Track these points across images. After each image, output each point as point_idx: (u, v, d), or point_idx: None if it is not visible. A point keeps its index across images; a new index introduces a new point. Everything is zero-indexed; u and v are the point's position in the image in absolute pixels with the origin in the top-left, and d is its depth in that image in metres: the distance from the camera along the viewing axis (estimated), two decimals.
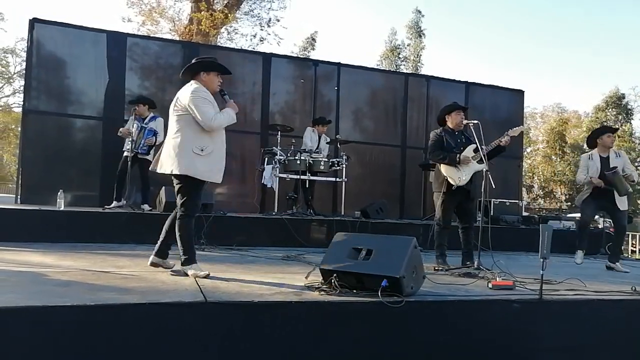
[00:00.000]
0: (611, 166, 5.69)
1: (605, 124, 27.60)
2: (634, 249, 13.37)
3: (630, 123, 29.38)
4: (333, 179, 8.13)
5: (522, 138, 12.05)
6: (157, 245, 3.85)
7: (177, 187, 3.80)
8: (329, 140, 8.15)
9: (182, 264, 3.74)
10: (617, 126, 24.18)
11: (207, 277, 3.63)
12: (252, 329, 2.82)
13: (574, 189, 27.18)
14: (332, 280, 3.23)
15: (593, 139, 5.98)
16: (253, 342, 2.80)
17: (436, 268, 4.73)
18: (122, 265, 3.96)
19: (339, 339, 2.94)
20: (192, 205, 3.79)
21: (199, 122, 3.69)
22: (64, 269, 3.79)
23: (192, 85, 3.79)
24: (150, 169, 4.16)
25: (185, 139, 3.72)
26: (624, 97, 29.44)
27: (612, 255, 5.94)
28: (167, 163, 3.76)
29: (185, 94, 3.74)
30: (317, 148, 7.81)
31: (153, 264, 3.80)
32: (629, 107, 29.71)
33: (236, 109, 3.95)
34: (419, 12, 30.23)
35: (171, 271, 3.81)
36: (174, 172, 3.73)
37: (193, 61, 3.92)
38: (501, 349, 3.30)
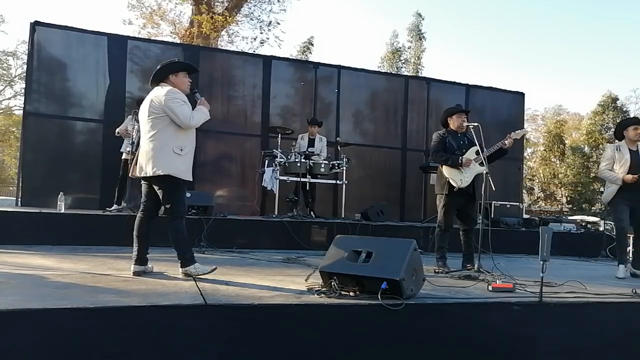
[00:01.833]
0: None
1: (604, 126, 27.63)
2: None
3: None
4: (333, 182, 8.14)
5: (523, 140, 12.03)
6: (135, 254, 3.80)
7: (160, 190, 3.76)
8: (322, 139, 8.13)
9: (183, 265, 3.73)
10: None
11: (214, 270, 3.73)
12: (251, 331, 2.82)
13: (575, 191, 27.14)
14: (332, 283, 3.24)
15: (619, 131, 5.54)
16: (252, 345, 2.79)
17: (436, 270, 4.72)
18: (122, 268, 3.96)
19: (338, 341, 2.94)
20: (182, 206, 3.81)
21: (177, 122, 3.71)
22: (64, 272, 3.79)
23: (164, 88, 3.79)
24: (130, 175, 4.13)
25: (165, 140, 3.72)
26: (617, 100, 29.43)
27: (636, 260, 5.37)
28: (147, 165, 3.73)
29: (160, 96, 3.73)
30: (308, 149, 7.73)
31: (136, 273, 3.74)
32: (624, 109, 29.71)
33: (208, 106, 3.99)
34: (419, 15, 30.24)
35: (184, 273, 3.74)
36: (156, 174, 3.68)
37: (158, 67, 3.91)
38: (501, 352, 3.29)
